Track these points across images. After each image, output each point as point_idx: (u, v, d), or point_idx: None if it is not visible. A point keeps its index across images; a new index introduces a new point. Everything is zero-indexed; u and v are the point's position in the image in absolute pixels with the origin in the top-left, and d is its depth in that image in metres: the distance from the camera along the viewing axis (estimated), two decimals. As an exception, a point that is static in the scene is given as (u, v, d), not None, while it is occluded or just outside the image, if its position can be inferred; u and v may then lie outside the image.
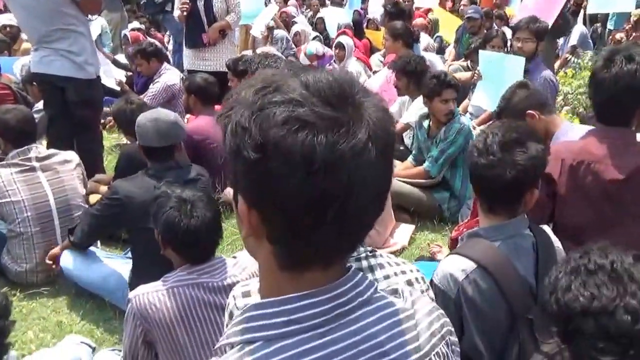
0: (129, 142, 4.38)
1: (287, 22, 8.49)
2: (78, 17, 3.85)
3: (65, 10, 3.76)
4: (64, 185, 3.26)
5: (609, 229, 2.00)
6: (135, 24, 8.80)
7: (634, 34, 6.51)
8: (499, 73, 4.15)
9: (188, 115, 4.84)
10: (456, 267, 1.66)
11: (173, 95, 5.34)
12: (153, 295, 1.99)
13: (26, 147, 3.21)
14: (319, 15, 9.20)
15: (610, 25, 8.78)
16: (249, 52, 5.95)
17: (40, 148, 3.34)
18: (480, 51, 4.91)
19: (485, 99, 4.48)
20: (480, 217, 1.84)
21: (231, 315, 1.34)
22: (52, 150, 3.39)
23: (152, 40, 7.99)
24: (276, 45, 6.82)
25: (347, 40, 6.53)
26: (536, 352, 1.52)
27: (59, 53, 3.81)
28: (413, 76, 4.42)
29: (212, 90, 4.26)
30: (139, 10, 10.44)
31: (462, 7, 8.32)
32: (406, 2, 8.25)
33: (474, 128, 4.47)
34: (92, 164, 3.88)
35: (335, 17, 7.89)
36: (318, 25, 8.67)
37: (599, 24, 9.14)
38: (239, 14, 5.35)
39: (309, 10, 10.35)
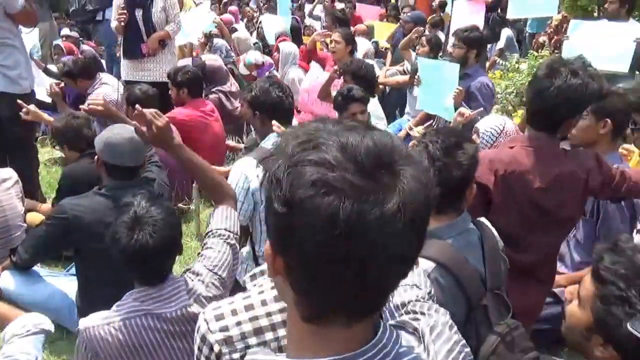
0: (63, 156, 4.24)
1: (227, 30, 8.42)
2: (12, 31, 3.73)
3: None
4: (2, 205, 3.14)
5: (535, 234, 2.17)
6: (66, 31, 8.52)
7: (555, 37, 6.85)
8: (437, 78, 4.33)
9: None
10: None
11: None
12: (105, 329, 1.92)
13: (-38, 166, 3.08)
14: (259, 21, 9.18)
15: (529, 29, 9.25)
16: (187, 60, 5.88)
17: (-24, 167, 3.21)
18: (418, 57, 5.09)
19: (426, 102, 4.66)
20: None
21: (203, 339, 1.33)
22: (-12, 169, 3.25)
23: (85, 48, 7.78)
24: (215, 54, 6.77)
25: (283, 46, 6.56)
26: (490, 333, 1.64)
27: (-9, 67, 3.67)
28: (363, 81, 4.40)
29: (150, 102, 4.12)
30: (68, 18, 10.12)
31: (402, 14, 8.62)
32: (348, 10, 8.55)
33: (411, 129, 4.63)
34: (28, 181, 3.74)
35: (272, 25, 7.90)
36: (259, 31, 8.65)
37: (522, 25, 9.59)
38: (179, 24, 5.29)
39: (246, 19, 10.32)
